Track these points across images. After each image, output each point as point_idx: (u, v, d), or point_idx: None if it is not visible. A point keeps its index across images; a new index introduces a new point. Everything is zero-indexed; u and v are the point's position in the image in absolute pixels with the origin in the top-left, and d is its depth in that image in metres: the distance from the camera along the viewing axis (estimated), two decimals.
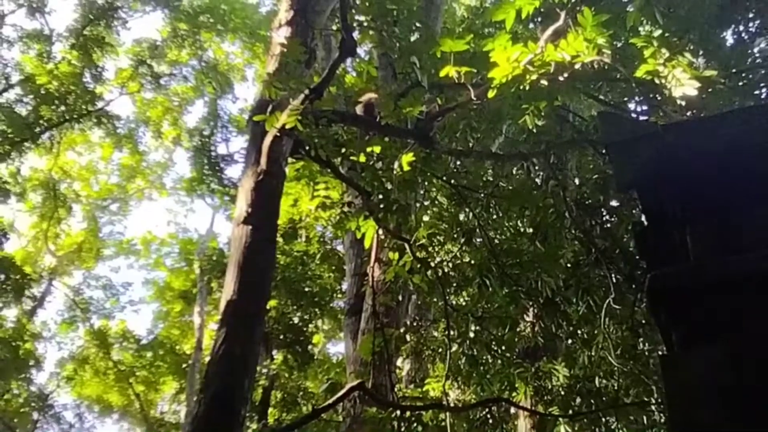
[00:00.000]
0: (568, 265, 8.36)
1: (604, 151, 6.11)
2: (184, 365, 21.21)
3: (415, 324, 10.77)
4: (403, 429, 8.61)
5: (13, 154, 19.91)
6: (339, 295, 16.95)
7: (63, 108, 19.51)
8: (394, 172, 6.98)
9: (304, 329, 16.84)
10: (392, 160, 7.15)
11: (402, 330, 10.55)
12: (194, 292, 21.98)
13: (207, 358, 20.90)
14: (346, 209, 11.80)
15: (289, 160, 7.75)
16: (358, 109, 7.81)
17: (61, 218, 25.28)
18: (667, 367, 2.53)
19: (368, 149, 7.18)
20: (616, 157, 2.81)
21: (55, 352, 27.44)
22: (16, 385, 21.40)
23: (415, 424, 8.46)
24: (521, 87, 4.95)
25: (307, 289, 16.10)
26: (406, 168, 6.86)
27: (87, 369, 23.01)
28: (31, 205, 25.04)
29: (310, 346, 17.35)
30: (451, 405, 8.50)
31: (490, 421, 9.74)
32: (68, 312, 24.78)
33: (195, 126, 23.57)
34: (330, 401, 6.06)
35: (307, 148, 7.32)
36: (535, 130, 6.77)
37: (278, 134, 6.93)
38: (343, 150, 7.46)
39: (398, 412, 8.18)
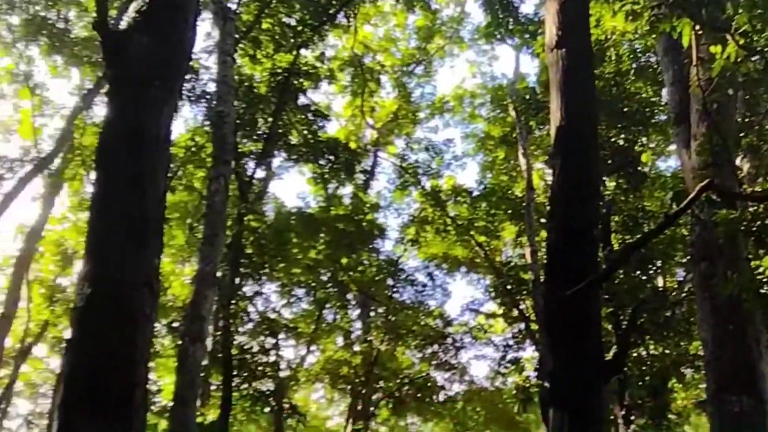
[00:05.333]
0: None
1: None
2: (518, 209, 22.90)
3: (747, 120, 10.81)
4: (757, 225, 8.85)
5: (315, 39, 22.64)
6: (660, 108, 17.15)
7: None
8: None
9: (631, 150, 17.41)
10: None
11: (736, 127, 10.61)
12: (514, 136, 23.52)
13: (539, 198, 22.41)
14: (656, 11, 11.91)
15: None
16: None
17: (373, 91, 28.21)
18: None
19: None
20: None
21: (394, 219, 30.74)
22: (366, 256, 24.76)
23: None
24: None
25: (626, 109, 16.56)
26: None
27: (428, 229, 25.76)
28: (341, 86, 28.31)
29: (639, 167, 17.93)
30: None
31: None
32: (398, 179, 27.78)
33: None
34: (681, 205, 6.43)
35: None
36: None
37: None
38: None
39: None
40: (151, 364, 12.86)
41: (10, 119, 26.89)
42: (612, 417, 17.76)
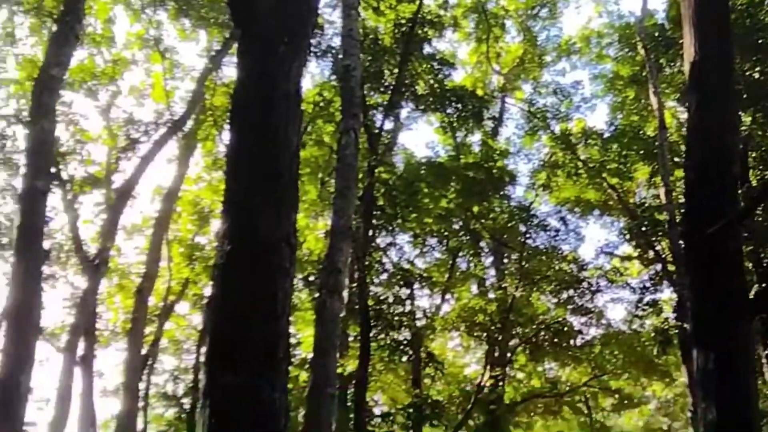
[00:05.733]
0: None
1: None
2: (651, 149, 22.43)
3: None
4: None
5: None
6: None
7: None
8: None
9: (767, 83, 16.70)
10: None
11: None
12: (644, 75, 23.02)
13: (672, 137, 21.79)
14: None
15: None
16: None
17: (497, 37, 28.05)
18: None
19: None
20: None
21: (524, 165, 30.62)
22: (497, 203, 24.85)
23: None
24: None
25: (760, 41, 15.88)
26: None
27: (559, 174, 25.55)
28: (466, 34, 28.26)
29: None
30: None
31: None
32: (527, 124, 27.70)
33: None
34: None
35: None
36: None
37: None
38: None
39: None
40: (290, 318, 13.27)
41: (143, 84, 28.35)
42: (756, 356, 17.41)
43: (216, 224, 29.38)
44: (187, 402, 29.77)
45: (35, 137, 14.86)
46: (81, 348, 22.56)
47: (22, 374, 13.12)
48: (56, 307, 28.94)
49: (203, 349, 26.04)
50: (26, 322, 13.51)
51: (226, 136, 25.46)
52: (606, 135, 24.85)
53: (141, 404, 26.06)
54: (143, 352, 25.37)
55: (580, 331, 25.22)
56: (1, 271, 27.16)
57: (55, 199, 23.27)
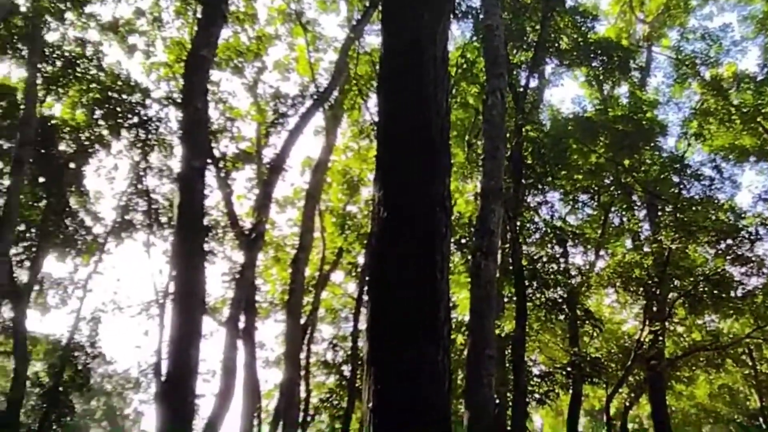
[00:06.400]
0: None
1: None
2: None
3: None
4: None
5: None
6: None
7: None
8: None
9: None
10: None
11: None
12: None
13: None
14: None
15: None
16: None
17: None
18: None
19: None
20: None
21: (675, 115, 30.51)
22: (648, 155, 24.91)
23: None
24: None
25: None
26: None
27: (711, 121, 25.33)
28: None
29: None
30: None
31: None
32: (675, 72, 27.57)
33: None
34: None
35: None
36: None
37: None
38: None
39: None
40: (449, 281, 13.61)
41: (287, 58, 29.92)
42: None
43: (366, 193, 30.98)
44: (347, 369, 31.13)
45: (189, 118, 15.78)
46: (242, 321, 23.81)
47: (191, 348, 14.00)
48: (216, 283, 31.30)
49: (361, 317, 27.79)
50: (191, 297, 14.37)
51: (371, 104, 26.57)
52: (759, 78, 24.58)
53: (302, 373, 27.35)
54: (302, 322, 26.59)
55: (740, 282, 24.92)
56: (162, 249, 29.90)
57: (209, 177, 25.24)
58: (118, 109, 28.00)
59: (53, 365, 30.18)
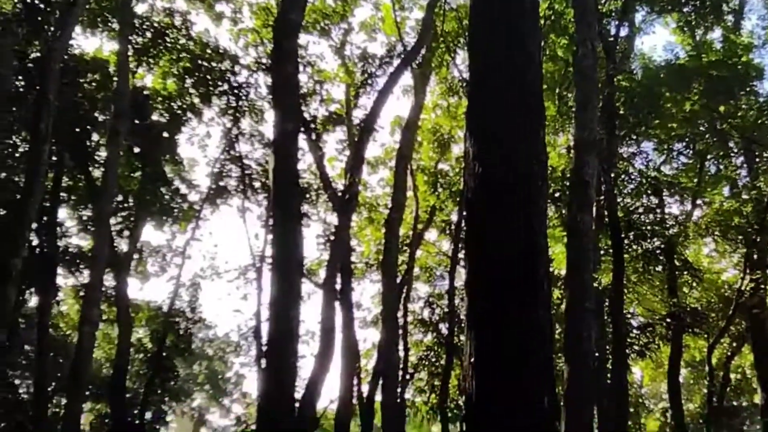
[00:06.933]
0: None
1: None
2: None
3: None
4: None
5: None
6: None
7: None
8: None
9: None
10: None
11: None
12: None
13: None
14: None
15: None
16: None
17: None
18: None
19: None
20: None
21: None
22: (744, 100, 24.32)
23: None
24: None
25: None
26: None
27: None
28: None
29: None
30: None
31: None
32: None
33: None
34: None
35: None
36: None
37: None
38: None
39: None
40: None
41: (373, 18, 30.39)
42: None
43: (457, 150, 31.72)
44: (444, 327, 31.98)
45: (280, 82, 16.26)
46: (338, 282, 24.42)
47: (291, 311, 14.34)
48: (311, 245, 32.54)
49: (456, 274, 28.65)
50: (290, 261, 14.67)
51: (459, 61, 27.22)
52: None
53: (400, 332, 27.91)
54: (397, 281, 27.15)
55: None
56: (256, 214, 31.36)
57: (300, 141, 26.20)
58: (208, 76, 29.12)
59: (156, 331, 31.94)
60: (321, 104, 29.85)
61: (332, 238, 27.08)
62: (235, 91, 29.37)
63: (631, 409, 27.44)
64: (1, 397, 25.75)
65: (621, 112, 22.86)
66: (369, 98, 27.99)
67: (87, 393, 22.92)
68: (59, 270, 29.14)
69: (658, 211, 25.43)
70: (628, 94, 22.89)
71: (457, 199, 29.99)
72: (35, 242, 26.88)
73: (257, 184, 30.59)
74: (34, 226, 23.62)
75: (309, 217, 30.07)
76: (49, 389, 27.97)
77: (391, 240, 25.54)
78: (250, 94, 29.60)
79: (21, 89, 24.35)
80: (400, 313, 28.61)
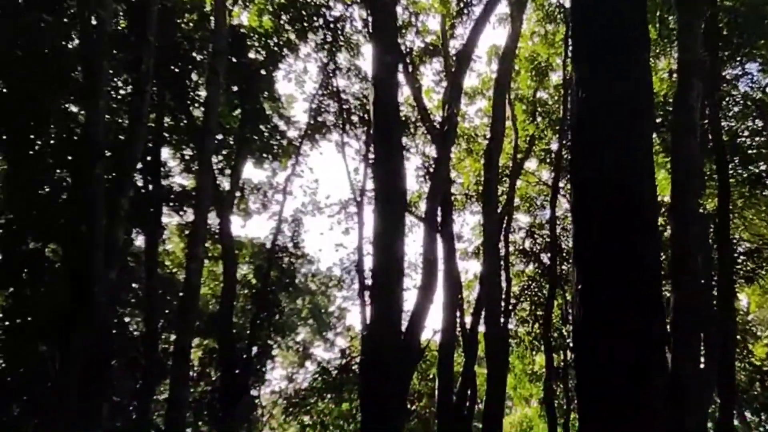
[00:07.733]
0: None
1: None
2: None
3: None
4: None
5: None
6: None
7: None
8: None
9: None
10: None
11: None
12: None
13: None
14: None
15: None
16: None
17: None
18: None
19: None
20: None
21: None
22: None
23: None
24: None
25: None
26: None
27: None
28: None
29: None
30: None
31: None
32: None
33: None
34: None
35: None
36: None
37: None
38: None
39: None
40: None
41: None
42: None
43: (555, 78, 32.39)
44: (546, 257, 32.93)
45: (378, 14, 16.84)
46: (439, 214, 24.80)
47: (395, 243, 15.02)
48: (411, 178, 33.59)
49: (557, 203, 29.50)
50: (392, 193, 15.30)
51: None
52: None
53: (501, 263, 28.57)
54: (498, 212, 27.55)
55: None
56: (355, 148, 32.70)
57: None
58: (304, 12, 29.90)
59: (260, 267, 33.40)
60: (417, 36, 30.37)
61: (431, 170, 27.82)
62: (331, 25, 30.07)
63: (738, 336, 27.85)
64: (115, 334, 27.02)
65: (725, 33, 22.88)
66: (465, 28, 28.27)
67: (195, 329, 24.51)
68: (164, 209, 30.61)
69: (764, 133, 25.16)
70: (732, 14, 22.85)
71: (557, 127, 30.50)
72: (140, 183, 28.28)
73: (355, 119, 31.40)
74: (139, 166, 24.94)
75: (408, 150, 30.72)
76: (158, 325, 29.53)
77: (491, 171, 25.89)
78: (345, 27, 30.26)
79: (122, 32, 25.40)
80: (501, 244, 29.13)
